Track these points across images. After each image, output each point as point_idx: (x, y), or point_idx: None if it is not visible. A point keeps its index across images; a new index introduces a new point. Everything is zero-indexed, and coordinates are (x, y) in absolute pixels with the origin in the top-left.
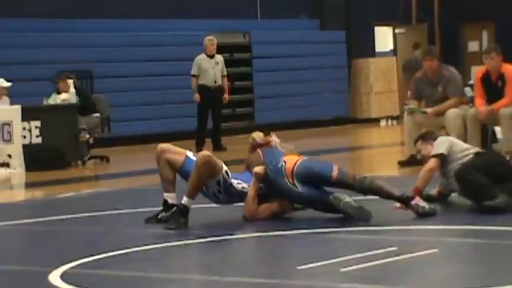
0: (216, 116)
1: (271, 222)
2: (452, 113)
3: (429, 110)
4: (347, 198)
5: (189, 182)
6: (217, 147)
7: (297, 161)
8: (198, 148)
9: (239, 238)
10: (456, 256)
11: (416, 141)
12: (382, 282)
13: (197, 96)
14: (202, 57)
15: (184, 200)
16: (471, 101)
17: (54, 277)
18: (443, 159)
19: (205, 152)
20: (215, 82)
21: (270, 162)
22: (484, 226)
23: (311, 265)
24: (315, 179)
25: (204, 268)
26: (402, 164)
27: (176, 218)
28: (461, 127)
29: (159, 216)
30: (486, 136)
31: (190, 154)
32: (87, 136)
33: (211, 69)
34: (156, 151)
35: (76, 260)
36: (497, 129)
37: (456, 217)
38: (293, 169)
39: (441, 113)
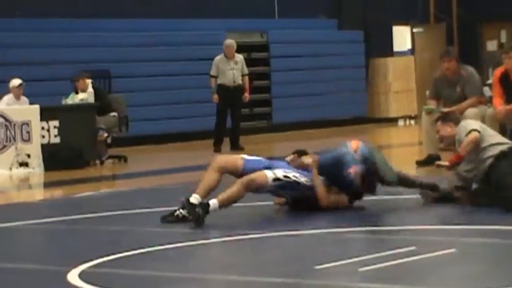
0: (236, 116)
1: (287, 222)
2: (470, 112)
3: (447, 110)
4: None
5: (226, 193)
6: (235, 146)
7: (359, 142)
8: (216, 147)
9: (256, 238)
10: (474, 256)
11: (436, 121)
12: (400, 282)
13: (216, 97)
14: (221, 57)
15: (213, 202)
16: (489, 100)
17: (73, 276)
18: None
19: (245, 178)
20: (234, 82)
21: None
22: (503, 226)
23: (329, 264)
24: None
25: (222, 267)
26: (420, 163)
27: (193, 210)
28: None
29: (175, 213)
30: (505, 136)
31: (245, 156)
32: (105, 135)
33: (230, 69)
34: (213, 159)
35: (94, 259)
36: None
37: (474, 216)
38: (358, 146)
39: (460, 113)
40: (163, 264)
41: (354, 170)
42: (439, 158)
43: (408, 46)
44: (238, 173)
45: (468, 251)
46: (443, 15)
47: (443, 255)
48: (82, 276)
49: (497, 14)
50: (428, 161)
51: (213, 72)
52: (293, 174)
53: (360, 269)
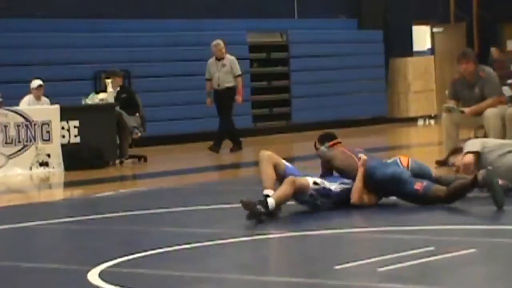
0: (222, 118)
1: (306, 222)
2: (490, 112)
3: (466, 109)
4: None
5: (278, 193)
6: (214, 149)
7: (408, 158)
8: (237, 147)
9: (275, 237)
10: (494, 257)
11: (447, 158)
12: (419, 282)
13: (208, 101)
14: (211, 61)
15: (271, 201)
16: (510, 100)
17: (93, 275)
18: (479, 156)
19: (290, 179)
20: (219, 85)
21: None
22: None
23: (348, 265)
24: (423, 174)
25: (241, 267)
26: (440, 163)
27: (256, 206)
28: (500, 126)
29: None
30: None
31: (286, 162)
32: (139, 134)
33: (217, 72)
34: (262, 154)
35: (114, 259)
36: None
37: (494, 216)
38: (408, 162)
39: (479, 113)
40: (183, 264)
41: (419, 186)
42: None
43: (428, 45)
44: (281, 172)
45: (488, 252)
46: (463, 15)
47: (463, 255)
48: (102, 275)
49: None
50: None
51: (206, 75)
52: (328, 182)
53: (379, 269)
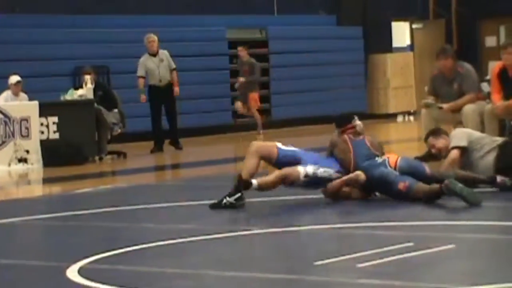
0: (171, 114)
1: (287, 218)
2: (469, 108)
3: (445, 105)
4: (460, 184)
5: (265, 179)
6: (175, 145)
7: (397, 158)
8: (157, 147)
9: (256, 233)
10: (473, 252)
11: (426, 138)
12: (398, 277)
13: (143, 97)
14: (145, 57)
15: (254, 182)
16: (488, 96)
17: (72, 272)
18: (464, 151)
19: (281, 172)
20: (161, 81)
21: (361, 156)
22: (502, 222)
23: (328, 260)
24: (413, 172)
25: (221, 263)
26: (420, 159)
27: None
28: (478, 122)
29: (223, 202)
30: (504, 132)
31: (279, 145)
32: (119, 130)
33: (156, 68)
34: (251, 145)
35: (93, 255)
36: None
37: (473, 212)
38: (396, 162)
39: (458, 109)
40: (163, 260)
41: (403, 186)
42: (438, 154)
43: (407, 42)
44: (272, 161)
45: (467, 247)
46: (442, 11)
47: (442, 251)
48: (81, 272)
49: (496, 10)
50: (427, 157)
51: (139, 73)
52: (324, 170)
53: (359, 265)
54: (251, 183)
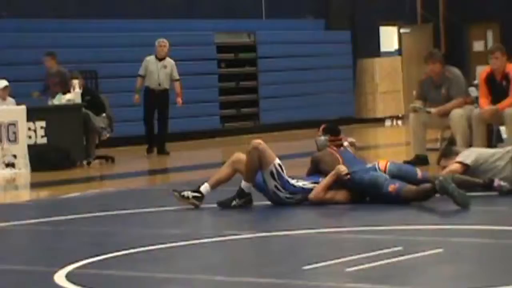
0: (162, 120)
1: (276, 222)
2: (456, 113)
3: (433, 110)
4: (453, 184)
5: (244, 168)
6: (161, 151)
7: (387, 162)
8: (150, 150)
9: (245, 238)
10: (461, 256)
11: (439, 161)
12: (387, 282)
13: (136, 97)
14: (150, 58)
15: (242, 184)
16: (476, 101)
17: (59, 277)
18: (467, 170)
19: (258, 140)
20: (160, 85)
21: (351, 162)
22: (491, 226)
23: (316, 265)
24: (403, 176)
25: (210, 268)
26: (408, 163)
27: (230, 199)
28: (466, 127)
29: (232, 204)
30: (491, 136)
31: (277, 160)
32: (107, 135)
33: (156, 71)
34: (252, 145)
35: (81, 260)
36: (502, 128)
37: (462, 217)
38: (386, 166)
39: (446, 113)
40: (151, 265)
41: (392, 188)
42: (426, 158)
43: (395, 46)
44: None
45: (455, 251)
46: (430, 16)
47: (431, 255)
48: (69, 277)
49: (483, 15)
50: (416, 161)
51: (140, 71)
52: (302, 183)
53: (348, 269)
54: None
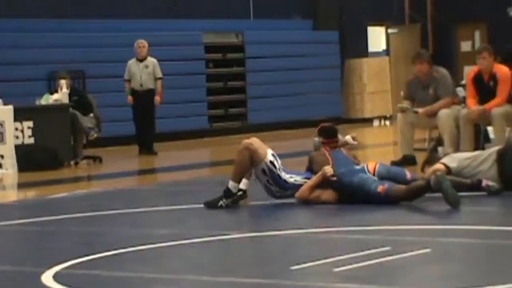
0: (147, 120)
1: (264, 222)
2: (444, 113)
3: (420, 110)
4: (448, 181)
5: (234, 168)
6: (149, 151)
7: (376, 164)
8: (141, 150)
9: (233, 238)
10: (448, 256)
11: (423, 167)
12: (375, 282)
13: (130, 98)
14: (132, 61)
15: (230, 184)
16: (463, 101)
17: (47, 277)
18: (449, 172)
19: (250, 139)
20: (141, 86)
21: (340, 164)
22: (479, 226)
23: (304, 265)
24: (393, 177)
25: (198, 268)
26: (395, 164)
27: (217, 199)
28: (453, 127)
29: (219, 204)
30: (479, 136)
31: (270, 155)
32: (94, 135)
33: (138, 73)
34: (243, 145)
35: (69, 260)
36: (490, 129)
37: (450, 217)
38: (375, 168)
39: (433, 114)
40: (139, 265)
41: (381, 189)
42: (414, 159)
43: (383, 46)
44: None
45: (443, 251)
46: (418, 16)
47: (418, 255)
48: (57, 277)
49: (471, 15)
50: (403, 162)
51: (125, 76)
52: (294, 178)
53: (335, 269)
54: (231, 190)
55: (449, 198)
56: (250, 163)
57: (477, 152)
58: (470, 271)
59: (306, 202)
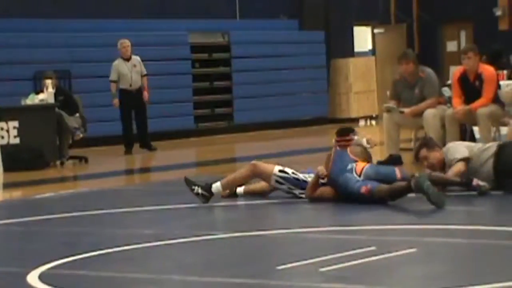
0: (141, 118)
1: (250, 222)
2: (429, 113)
3: (406, 110)
4: (429, 182)
5: (230, 176)
6: (147, 147)
7: (364, 165)
8: (127, 150)
9: (220, 238)
10: (434, 256)
11: (418, 150)
12: (360, 282)
13: (116, 101)
14: (119, 61)
15: (216, 184)
16: (449, 101)
17: (33, 277)
18: (467, 162)
19: (252, 162)
20: (131, 85)
21: (337, 165)
22: (464, 226)
23: (290, 265)
24: (381, 179)
25: (184, 268)
26: (381, 163)
27: (195, 183)
28: (439, 127)
29: (193, 188)
30: (465, 136)
31: (277, 168)
32: (80, 135)
33: (128, 73)
34: (250, 163)
35: (55, 260)
36: (476, 128)
37: (435, 216)
38: (362, 169)
39: (419, 114)
40: (125, 265)
41: (365, 190)
42: (400, 158)
43: (369, 46)
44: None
45: (428, 251)
46: (403, 16)
47: (404, 255)
48: (42, 277)
49: (457, 15)
50: (389, 161)
51: (112, 77)
52: (304, 175)
53: (321, 269)
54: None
55: (432, 199)
56: (254, 178)
57: (473, 143)
58: (455, 271)
59: (314, 199)
